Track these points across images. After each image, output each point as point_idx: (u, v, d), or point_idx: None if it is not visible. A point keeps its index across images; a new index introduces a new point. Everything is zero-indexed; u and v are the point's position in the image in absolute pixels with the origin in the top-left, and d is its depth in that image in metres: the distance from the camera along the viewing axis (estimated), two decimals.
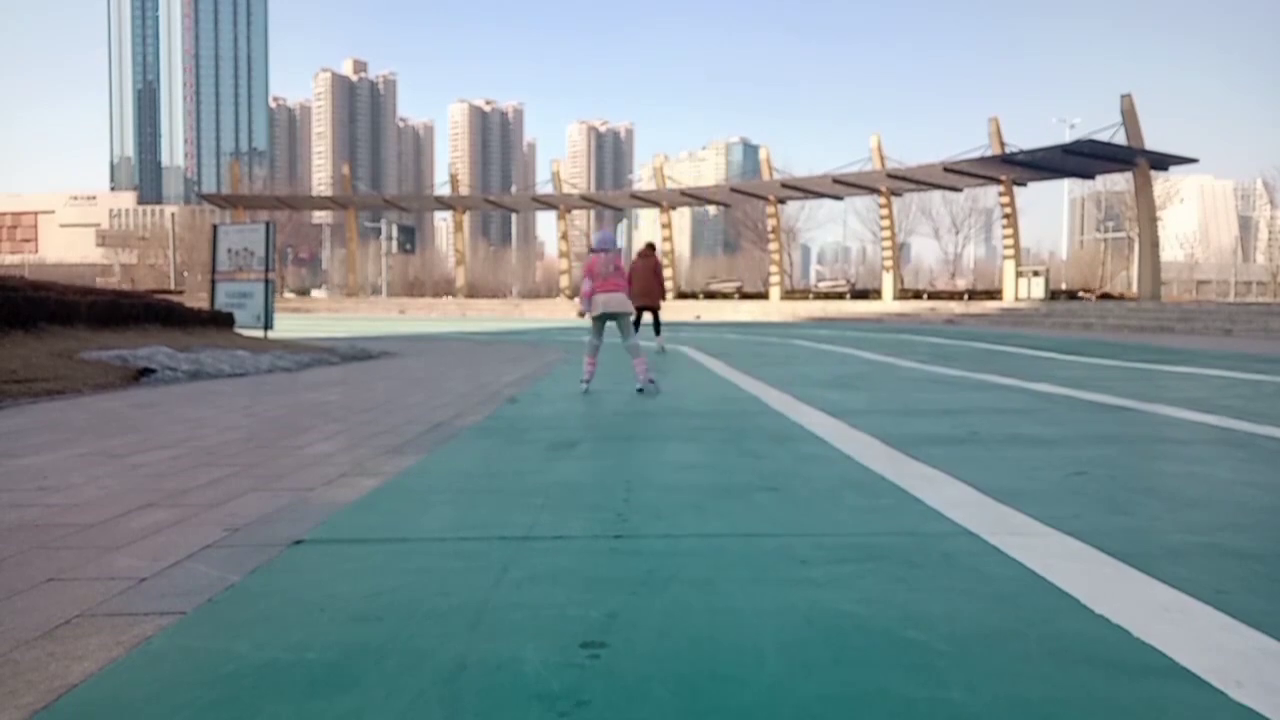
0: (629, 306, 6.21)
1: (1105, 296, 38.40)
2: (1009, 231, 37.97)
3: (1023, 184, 38.13)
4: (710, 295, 48.62)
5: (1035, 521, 2.31)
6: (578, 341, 15.96)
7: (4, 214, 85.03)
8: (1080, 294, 39.10)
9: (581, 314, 6.26)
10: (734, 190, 49.89)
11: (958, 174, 38.00)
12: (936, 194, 55.54)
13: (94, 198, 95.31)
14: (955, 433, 4.09)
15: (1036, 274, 38.04)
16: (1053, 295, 37.50)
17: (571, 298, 51.17)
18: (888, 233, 41.69)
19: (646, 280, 11.24)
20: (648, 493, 2.74)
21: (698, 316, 36.02)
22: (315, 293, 70.20)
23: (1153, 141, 32.15)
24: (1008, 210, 37.73)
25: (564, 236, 53.74)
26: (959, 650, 1.44)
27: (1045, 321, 27.36)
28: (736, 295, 47.21)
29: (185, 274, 65.73)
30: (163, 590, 1.79)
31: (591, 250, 6.48)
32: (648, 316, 11.32)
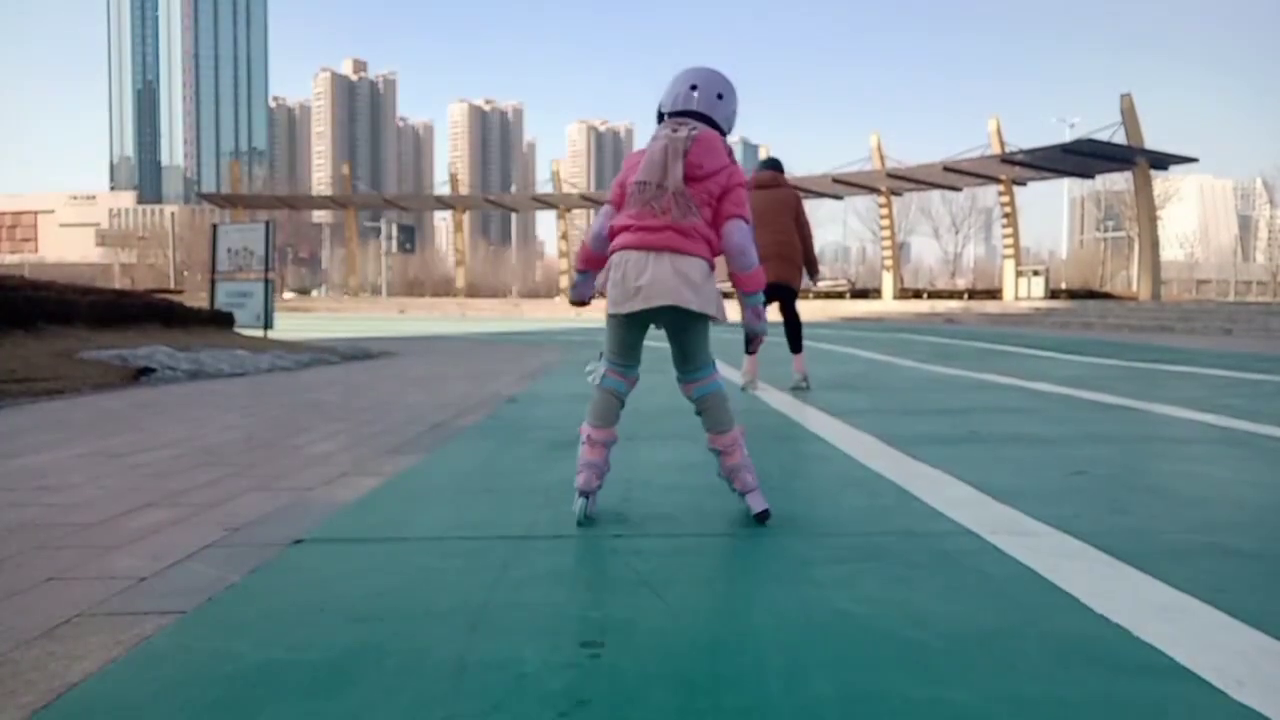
0: (715, 298, 2.31)
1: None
2: (1009, 231, 38.00)
3: (1022, 183, 38.14)
4: None
5: (1035, 521, 2.31)
6: (577, 342, 15.81)
7: (4, 214, 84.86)
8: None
9: (581, 303, 2.60)
10: None
11: (958, 173, 38.03)
12: (936, 194, 55.58)
13: (94, 197, 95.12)
14: (955, 432, 4.09)
15: (1036, 273, 38.08)
16: (1053, 294, 37.50)
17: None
18: (887, 232, 41.72)
19: (778, 233, 6.02)
20: (648, 492, 2.74)
21: None
22: (314, 293, 70.15)
23: (1152, 141, 32.17)
24: (1007, 209, 37.76)
25: (564, 236, 53.70)
26: (959, 650, 1.44)
27: (1045, 321, 27.36)
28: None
29: (185, 273, 65.73)
30: (163, 590, 1.79)
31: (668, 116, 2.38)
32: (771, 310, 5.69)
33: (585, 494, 2.34)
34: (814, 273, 6.44)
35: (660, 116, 2.41)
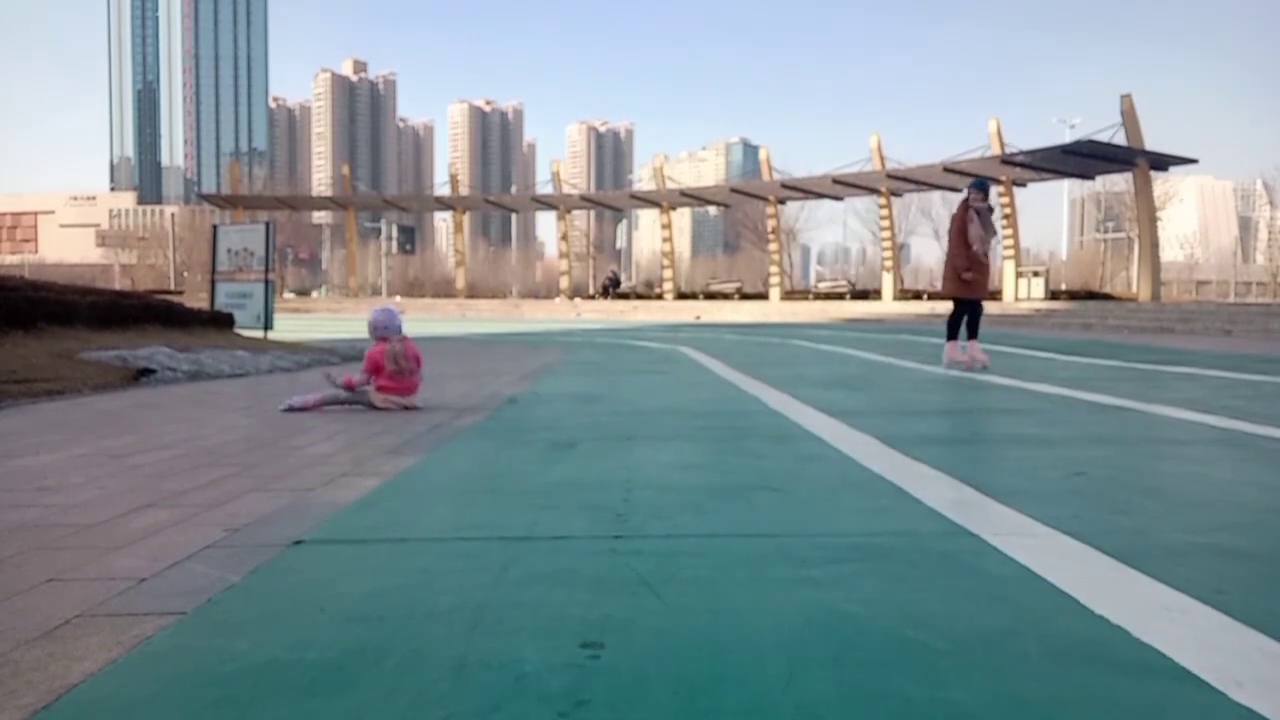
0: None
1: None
2: (1009, 232, 37.95)
3: (1023, 184, 38.14)
4: (710, 295, 48.56)
5: (1035, 521, 2.31)
6: (577, 342, 15.93)
7: (4, 214, 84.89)
8: None
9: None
10: (734, 190, 49.88)
11: (958, 174, 37.99)
12: (936, 194, 55.49)
13: (94, 198, 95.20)
14: (955, 433, 4.09)
15: (1036, 274, 38.07)
16: (1053, 295, 37.50)
17: (571, 298, 50.99)
18: (887, 233, 41.72)
19: (946, 255, 8.47)
20: (648, 493, 2.74)
21: (698, 317, 36.02)
22: (314, 294, 70.08)
23: (1152, 142, 32.15)
24: (1007, 210, 37.73)
25: (564, 237, 53.72)
26: (959, 650, 1.44)
27: (1045, 322, 27.36)
28: (736, 296, 47.18)
29: (185, 274, 65.72)
30: (163, 590, 1.79)
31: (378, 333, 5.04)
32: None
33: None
34: (953, 274, 7.92)
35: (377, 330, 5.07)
